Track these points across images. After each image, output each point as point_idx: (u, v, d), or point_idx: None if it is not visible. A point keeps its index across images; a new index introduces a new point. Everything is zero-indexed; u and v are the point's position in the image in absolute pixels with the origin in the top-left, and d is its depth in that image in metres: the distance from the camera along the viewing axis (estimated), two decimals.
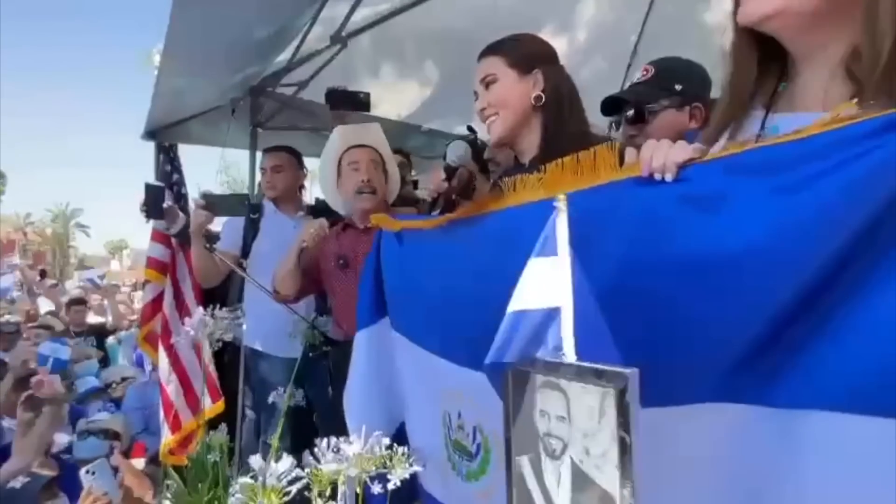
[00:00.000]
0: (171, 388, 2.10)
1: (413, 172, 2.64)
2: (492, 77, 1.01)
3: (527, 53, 1.01)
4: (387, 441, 0.79)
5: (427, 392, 0.98)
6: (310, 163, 2.64)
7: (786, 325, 0.48)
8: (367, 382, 1.14)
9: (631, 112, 1.12)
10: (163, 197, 2.08)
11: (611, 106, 1.17)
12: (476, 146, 1.39)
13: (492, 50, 1.03)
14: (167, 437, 2.07)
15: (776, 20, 0.54)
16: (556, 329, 0.45)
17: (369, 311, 1.14)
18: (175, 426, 2.09)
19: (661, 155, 0.54)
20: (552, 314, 0.45)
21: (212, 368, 2.02)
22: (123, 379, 3.13)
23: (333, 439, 0.80)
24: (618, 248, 0.58)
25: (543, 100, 0.97)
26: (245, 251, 2.03)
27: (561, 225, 0.47)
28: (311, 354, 1.87)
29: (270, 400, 1.80)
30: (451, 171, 1.17)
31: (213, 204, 1.85)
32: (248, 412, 2.11)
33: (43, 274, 8.09)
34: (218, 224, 2.08)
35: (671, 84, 1.11)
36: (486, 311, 0.53)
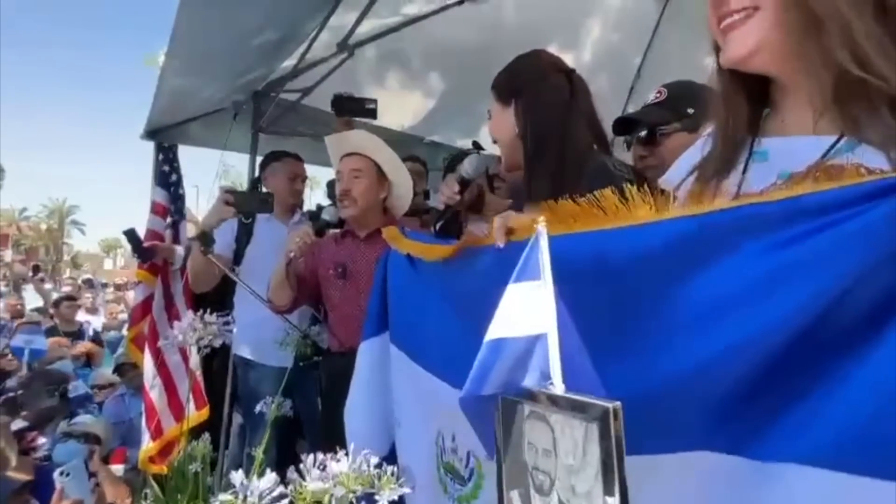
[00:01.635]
0: (155, 392, 2.05)
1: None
2: (490, 111, 1.06)
3: (508, 84, 1.02)
4: (376, 459, 0.77)
5: (422, 411, 0.95)
6: (312, 169, 2.64)
7: (771, 379, 0.47)
8: (368, 395, 1.12)
9: (643, 133, 1.12)
10: (138, 237, 2.07)
11: (623, 125, 1.17)
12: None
13: (492, 84, 1.06)
14: (147, 444, 2.02)
15: (757, 57, 0.54)
16: (542, 356, 0.42)
17: (375, 323, 1.12)
18: (157, 433, 2.04)
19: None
20: (536, 341, 0.43)
21: (198, 374, 1.98)
22: (110, 384, 3.05)
23: (320, 455, 0.78)
24: (604, 286, 0.55)
25: (520, 129, 0.98)
26: (238, 256, 1.99)
27: (543, 248, 0.45)
28: (301, 364, 1.83)
29: (258, 409, 1.75)
30: (464, 184, 1.20)
31: (238, 201, 1.75)
32: (237, 417, 2.05)
33: (36, 269, 8.00)
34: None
35: (684, 107, 1.11)
36: (478, 338, 0.50)
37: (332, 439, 1.21)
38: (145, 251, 2.04)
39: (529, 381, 0.43)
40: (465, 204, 1.27)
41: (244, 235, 2.01)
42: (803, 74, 0.54)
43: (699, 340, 0.49)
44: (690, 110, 1.10)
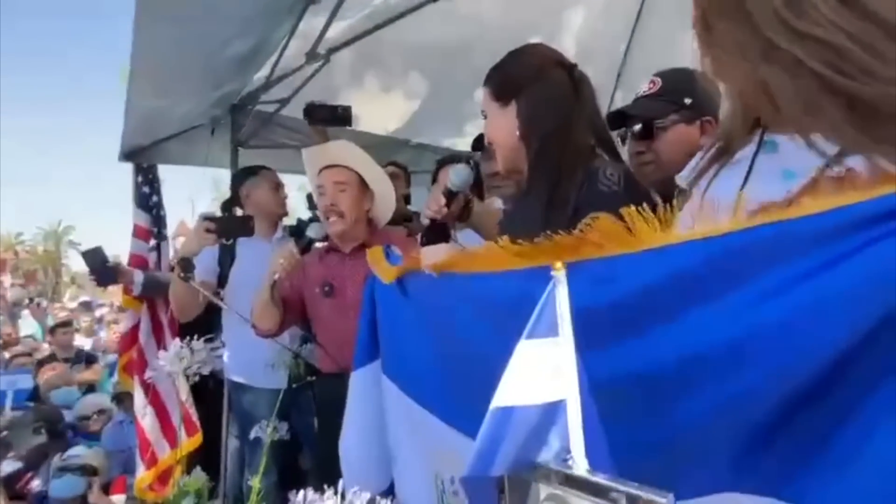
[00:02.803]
0: (147, 420, 2.01)
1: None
2: (483, 112, 0.98)
3: (504, 83, 0.95)
4: (367, 496, 0.72)
5: (419, 449, 0.89)
6: (296, 180, 2.58)
7: (799, 418, 0.41)
8: (364, 429, 1.06)
9: (638, 127, 1.05)
10: (103, 257, 2.01)
11: (617, 119, 1.09)
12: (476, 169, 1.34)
13: (484, 81, 0.98)
14: (142, 473, 1.98)
15: None
16: (561, 427, 0.36)
17: (365, 351, 1.06)
18: (151, 461, 1.99)
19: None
20: (553, 409, 0.37)
21: (188, 401, 1.93)
22: (101, 412, 2.99)
23: (310, 495, 0.73)
24: (618, 329, 0.50)
25: (522, 131, 0.91)
26: (221, 279, 1.93)
27: (561, 299, 0.39)
28: (294, 385, 1.78)
29: (253, 435, 1.70)
30: (451, 196, 1.15)
31: (219, 227, 1.69)
32: (233, 440, 2.01)
33: (31, 299, 7.94)
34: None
35: (680, 98, 1.03)
36: (485, 379, 0.45)
37: (331, 460, 1.17)
38: (103, 273, 1.97)
39: (545, 456, 0.37)
40: (452, 216, 1.21)
41: (227, 257, 1.95)
42: None
43: (721, 379, 0.44)
44: (688, 100, 1.03)
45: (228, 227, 1.75)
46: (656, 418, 0.48)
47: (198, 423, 1.89)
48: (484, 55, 2.53)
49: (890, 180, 0.36)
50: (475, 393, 0.50)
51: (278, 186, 2.11)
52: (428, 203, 1.18)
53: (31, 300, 7.53)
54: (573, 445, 0.36)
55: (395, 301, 0.96)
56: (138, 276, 2.00)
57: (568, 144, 0.88)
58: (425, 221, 1.16)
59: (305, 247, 1.63)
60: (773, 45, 0.44)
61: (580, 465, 0.36)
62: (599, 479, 0.34)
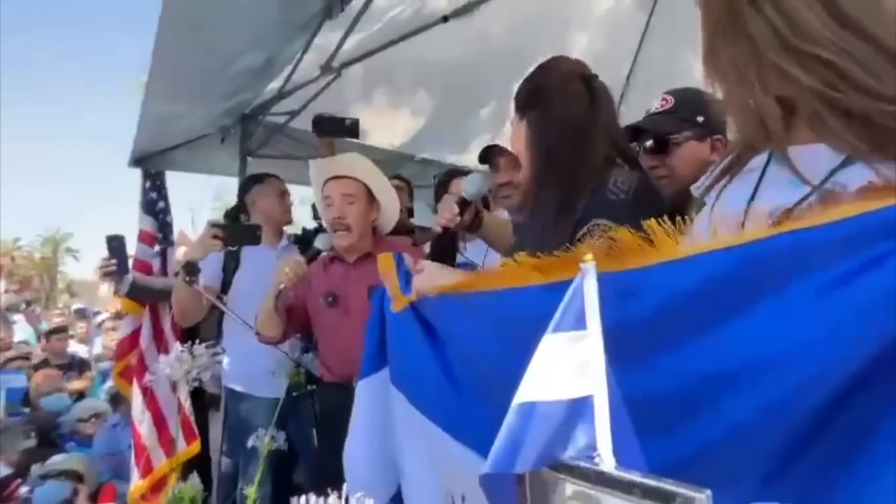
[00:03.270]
0: (144, 427, 1.97)
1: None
2: (511, 123, 1.01)
3: (522, 97, 0.97)
4: (371, 502, 0.72)
5: (428, 464, 0.87)
6: (303, 191, 2.59)
7: (823, 432, 0.41)
8: (370, 439, 1.04)
9: (650, 142, 1.07)
10: (124, 246, 2.00)
11: (629, 135, 1.12)
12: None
13: (514, 94, 1.01)
14: (137, 482, 1.93)
15: None
16: (587, 424, 0.36)
17: (373, 360, 1.04)
18: (146, 469, 1.95)
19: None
20: (580, 405, 0.36)
21: (188, 407, 1.91)
22: (96, 415, 2.95)
23: (313, 499, 0.73)
24: (640, 343, 0.49)
25: (529, 142, 0.94)
26: (225, 285, 1.92)
27: (590, 290, 0.37)
28: (294, 394, 1.76)
29: (250, 444, 1.67)
30: (464, 205, 1.16)
31: (227, 234, 1.70)
32: (224, 459, 1.97)
33: (28, 303, 7.85)
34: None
35: (693, 115, 1.07)
36: (503, 397, 0.44)
37: (329, 471, 1.15)
38: (123, 262, 1.94)
39: (571, 452, 0.36)
40: (464, 225, 1.22)
41: (231, 263, 1.94)
42: None
43: (744, 393, 0.43)
44: (700, 118, 1.06)
45: (236, 234, 1.75)
46: (680, 433, 0.47)
47: (196, 431, 1.86)
48: (488, 75, 2.60)
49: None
50: (492, 411, 0.50)
51: (284, 194, 2.12)
52: (440, 212, 1.19)
53: (28, 304, 7.45)
54: (600, 442, 0.35)
55: (405, 316, 0.96)
56: (128, 276, 1.96)
57: (578, 156, 0.89)
58: (437, 229, 1.17)
59: (312, 257, 1.64)
60: (774, 66, 0.46)
61: (608, 462, 0.35)
62: (633, 475, 0.33)
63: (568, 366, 0.38)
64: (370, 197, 1.64)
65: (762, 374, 0.43)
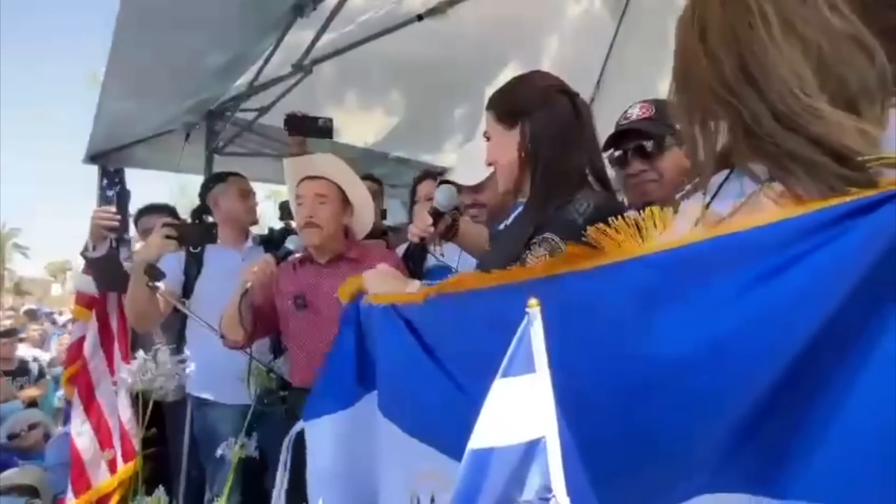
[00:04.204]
0: (83, 440, 1.82)
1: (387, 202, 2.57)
2: (487, 134, 1.01)
3: (510, 105, 0.98)
4: None
5: (399, 476, 0.86)
6: (271, 189, 2.53)
7: (767, 417, 0.44)
8: (333, 478, 0.99)
9: (649, 144, 1.08)
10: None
11: (614, 140, 1.14)
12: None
13: (488, 103, 1.01)
14: (71, 500, 1.78)
15: None
16: (542, 465, 0.37)
17: (341, 392, 0.97)
18: (82, 487, 1.79)
19: None
20: (533, 447, 0.37)
21: (129, 421, 1.79)
22: (33, 426, 2.77)
23: None
24: (581, 352, 0.51)
25: (526, 153, 0.94)
26: (187, 289, 1.83)
27: (536, 334, 0.39)
28: (265, 401, 1.72)
29: (219, 453, 1.63)
30: (437, 216, 1.15)
31: (181, 234, 1.58)
32: (189, 470, 1.90)
33: None
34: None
35: (674, 123, 1.10)
36: (466, 399, 0.45)
37: (300, 479, 1.12)
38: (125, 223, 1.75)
39: (527, 495, 0.37)
40: (439, 234, 1.22)
41: (193, 266, 1.85)
42: None
43: (687, 384, 0.46)
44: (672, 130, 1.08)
45: (190, 234, 1.65)
46: (632, 432, 0.49)
47: (136, 447, 1.67)
48: (463, 75, 2.60)
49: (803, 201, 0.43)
50: (456, 413, 0.52)
51: (247, 194, 2.02)
52: (414, 222, 1.19)
53: None
54: (554, 483, 0.37)
55: (380, 322, 0.93)
56: (105, 243, 1.66)
57: (563, 170, 0.91)
58: (414, 239, 1.17)
59: (283, 258, 1.60)
60: (708, 110, 0.56)
61: (561, 501, 0.37)
62: None
63: (519, 409, 0.39)
64: (344, 199, 1.61)
65: (689, 369, 0.45)
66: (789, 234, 0.41)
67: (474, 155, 1.58)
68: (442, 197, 1.15)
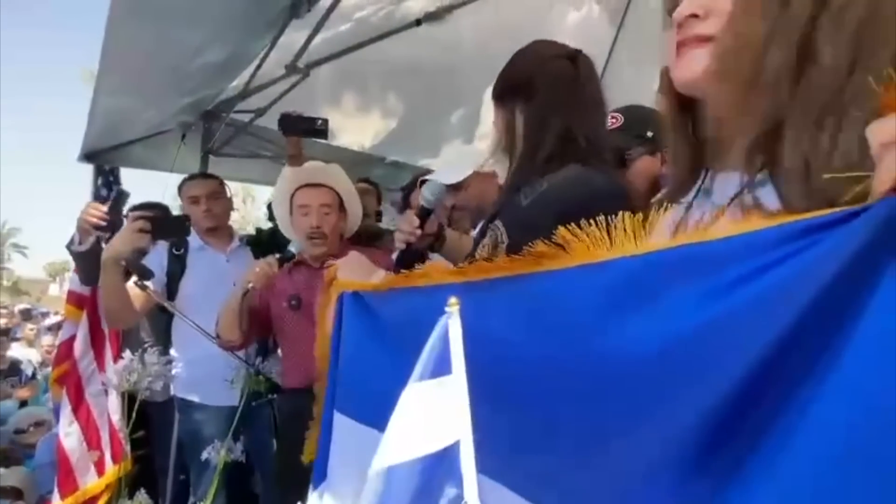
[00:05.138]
0: (71, 441, 1.79)
1: (381, 204, 2.56)
2: (493, 120, 0.94)
3: (504, 88, 0.90)
4: None
5: (352, 470, 0.84)
6: (267, 191, 2.52)
7: (721, 432, 0.43)
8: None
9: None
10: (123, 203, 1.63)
11: None
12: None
13: (492, 92, 0.94)
14: (57, 502, 1.75)
15: (703, 84, 0.53)
16: (456, 472, 0.35)
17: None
18: (69, 488, 1.76)
19: None
20: (448, 454, 0.35)
21: (117, 421, 1.76)
22: (38, 423, 2.76)
23: None
24: (514, 350, 0.48)
25: (506, 134, 0.87)
26: (170, 291, 1.80)
27: (454, 334, 0.38)
28: (254, 403, 1.70)
29: (204, 457, 1.60)
30: (425, 214, 1.09)
31: (155, 227, 1.49)
32: (176, 473, 1.87)
33: None
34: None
35: (643, 131, 1.10)
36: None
37: (288, 483, 1.09)
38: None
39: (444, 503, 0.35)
40: (427, 237, 1.13)
41: (177, 268, 1.81)
42: (742, 108, 0.53)
43: (637, 402, 0.43)
44: (650, 133, 1.09)
45: (164, 226, 1.55)
46: (579, 434, 0.46)
47: (126, 448, 1.64)
48: (461, 80, 2.60)
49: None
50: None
51: (197, 200, 1.87)
52: (400, 227, 1.12)
53: None
54: (467, 490, 0.35)
55: (356, 316, 0.91)
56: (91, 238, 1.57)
57: (542, 147, 0.83)
58: (401, 245, 1.11)
59: (286, 260, 1.60)
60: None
61: None
62: None
63: (433, 414, 0.37)
64: (341, 206, 1.63)
65: (642, 376, 0.43)
66: (758, 245, 0.40)
67: (458, 156, 1.59)
68: (428, 192, 1.09)
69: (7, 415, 3.03)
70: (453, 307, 0.39)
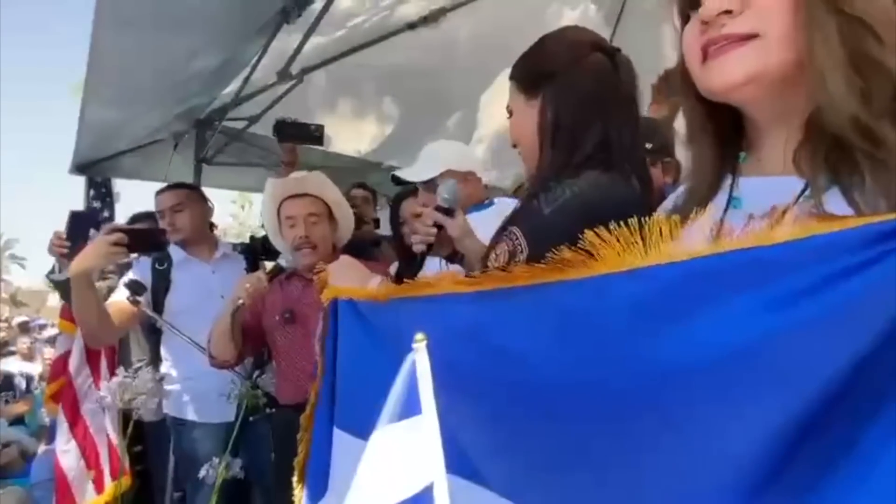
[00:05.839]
0: (68, 459, 1.77)
1: (377, 208, 2.52)
2: (509, 108, 0.85)
3: (531, 71, 0.81)
4: None
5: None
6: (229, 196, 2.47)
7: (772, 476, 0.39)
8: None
9: None
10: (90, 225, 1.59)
11: None
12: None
13: (511, 71, 0.85)
14: None
15: (745, 88, 0.48)
16: None
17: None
18: None
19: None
20: (421, 497, 0.33)
21: (115, 438, 1.73)
22: (5, 445, 2.70)
23: None
24: (538, 363, 0.45)
25: (543, 128, 0.78)
26: (156, 307, 1.74)
27: (423, 372, 0.35)
28: (251, 418, 1.65)
29: (202, 474, 1.56)
30: (446, 213, 0.97)
31: (130, 241, 1.46)
32: (173, 492, 1.83)
33: None
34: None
35: (642, 142, 1.09)
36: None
37: (286, 499, 1.04)
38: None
39: None
40: (446, 244, 1.00)
41: (161, 283, 1.76)
42: (784, 116, 0.49)
43: (673, 410, 0.40)
44: (648, 145, 1.07)
45: (139, 239, 1.53)
46: (604, 455, 0.43)
47: (126, 465, 1.63)
48: (456, 84, 2.57)
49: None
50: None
51: (162, 213, 1.82)
52: (414, 229, 1.02)
53: None
54: None
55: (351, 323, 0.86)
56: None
57: (577, 147, 0.76)
58: (419, 248, 1.01)
59: (276, 273, 1.56)
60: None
61: None
62: None
63: (405, 458, 0.34)
64: (331, 215, 1.59)
65: (681, 393, 0.39)
66: (815, 253, 0.35)
67: (431, 154, 1.54)
68: (445, 191, 0.98)
69: None
70: (420, 343, 0.36)
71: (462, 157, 1.50)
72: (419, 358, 0.36)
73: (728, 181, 0.54)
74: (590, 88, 0.77)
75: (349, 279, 0.79)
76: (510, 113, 0.85)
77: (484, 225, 0.95)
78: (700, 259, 0.40)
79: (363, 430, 0.80)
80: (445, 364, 0.46)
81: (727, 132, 0.54)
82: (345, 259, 0.86)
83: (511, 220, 0.76)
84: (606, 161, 0.76)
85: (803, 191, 0.46)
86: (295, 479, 0.89)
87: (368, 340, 0.74)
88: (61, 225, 1.56)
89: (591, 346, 0.45)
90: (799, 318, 0.36)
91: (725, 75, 0.47)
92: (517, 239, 0.71)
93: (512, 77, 0.85)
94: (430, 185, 1.37)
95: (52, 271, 1.61)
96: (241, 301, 1.46)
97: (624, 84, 0.79)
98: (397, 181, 1.52)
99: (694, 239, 0.51)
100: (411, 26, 2.20)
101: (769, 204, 0.47)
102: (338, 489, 0.82)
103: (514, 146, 0.86)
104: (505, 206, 1.16)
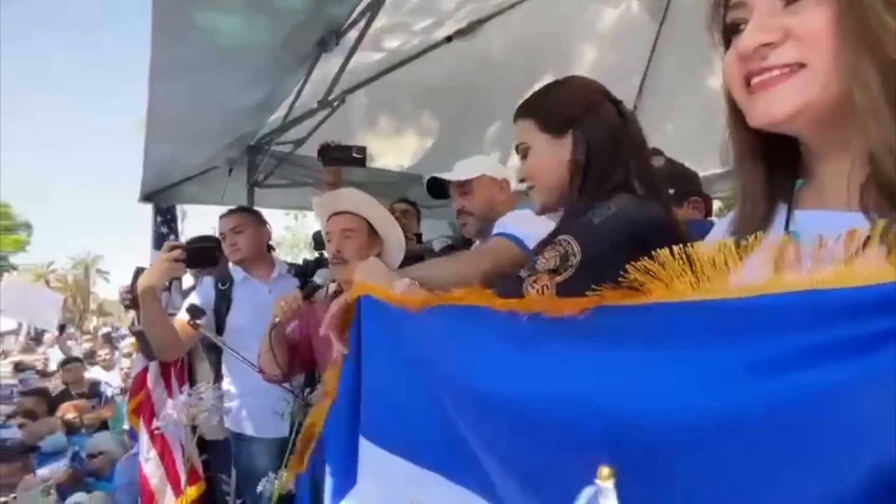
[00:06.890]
0: (150, 466, 1.94)
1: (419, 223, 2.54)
2: (524, 146, 0.91)
3: (559, 113, 0.89)
4: None
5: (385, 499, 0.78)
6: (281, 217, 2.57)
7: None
8: None
9: None
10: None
11: None
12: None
13: (524, 112, 0.92)
14: None
15: (797, 120, 0.45)
16: None
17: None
18: None
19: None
20: None
21: (192, 453, 1.87)
22: (101, 453, 2.93)
23: None
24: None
25: (577, 164, 0.87)
26: (219, 326, 1.85)
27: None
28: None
29: (259, 489, 1.63)
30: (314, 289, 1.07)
31: (188, 256, 1.61)
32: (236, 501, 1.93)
33: (62, 328, 8.04)
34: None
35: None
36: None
37: None
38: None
39: None
40: None
41: (223, 303, 1.86)
42: (843, 143, 0.44)
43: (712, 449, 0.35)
44: (671, 190, 1.07)
45: (196, 256, 1.68)
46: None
47: (200, 471, 1.81)
48: (494, 93, 2.54)
49: None
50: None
51: (232, 229, 1.86)
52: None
53: (62, 328, 7.61)
54: None
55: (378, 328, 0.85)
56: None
57: (610, 177, 0.85)
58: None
59: (310, 292, 1.60)
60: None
61: None
62: None
63: None
64: (371, 232, 1.60)
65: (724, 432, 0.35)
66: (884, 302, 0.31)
67: (469, 162, 1.57)
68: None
69: (53, 449, 3.18)
70: (606, 480, 0.32)
71: (497, 165, 1.58)
72: (606, 497, 0.31)
73: (783, 212, 0.50)
74: (615, 126, 0.88)
75: (373, 277, 0.80)
76: (524, 152, 0.91)
77: (530, 217, 1.04)
78: (752, 298, 0.37)
79: (386, 440, 0.79)
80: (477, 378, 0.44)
81: (780, 156, 0.50)
82: (372, 260, 0.92)
83: (559, 231, 0.83)
84: (631, 189, 0.85)
85: (875, 229, 0.41)
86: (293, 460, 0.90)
87: (395, 345, 0.73)
88: (139, 246, 1.74)
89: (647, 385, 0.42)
90: (871, 366, 0.31)
91: (773, 108, 0.44)
92: (569, 245, 0.78)
93: (528, 117, 0.90)
94: (466, 185, 1.45)
95: (132, 323, 1.83)
96: (277, 319, 1.52)
97: (631, 127, 0.89)
98: (432, 183, 1.56)
99: (752, 273, 0.46)
100: (448, 39, 2.21)
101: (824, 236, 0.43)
102: (367, 483, 0.81)
103: (523, 181, 0.93)
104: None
